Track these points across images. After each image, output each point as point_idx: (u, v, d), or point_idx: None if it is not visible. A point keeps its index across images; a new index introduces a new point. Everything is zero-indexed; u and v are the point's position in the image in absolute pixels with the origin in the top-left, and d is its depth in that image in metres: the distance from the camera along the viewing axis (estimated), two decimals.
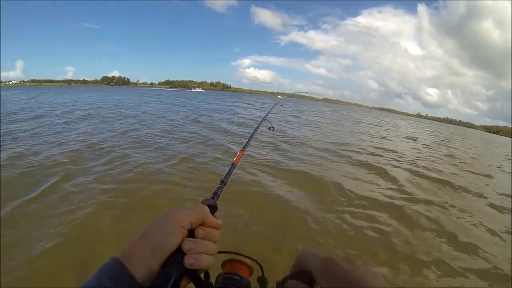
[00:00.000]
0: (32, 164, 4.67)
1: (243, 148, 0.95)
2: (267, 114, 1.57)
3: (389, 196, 4.62)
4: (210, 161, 5.48)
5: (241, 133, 9.33)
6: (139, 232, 0.39)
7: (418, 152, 10.37)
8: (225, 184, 0.67)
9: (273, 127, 1.57)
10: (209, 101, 30.49)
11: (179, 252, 0.39)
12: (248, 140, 1.02)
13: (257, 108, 24.44)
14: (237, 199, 3.61)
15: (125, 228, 2.84)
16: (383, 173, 5.97)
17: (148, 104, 20.06)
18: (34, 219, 2.94)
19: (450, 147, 14.77)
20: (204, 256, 0.40)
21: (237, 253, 0.54)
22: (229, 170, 0.75)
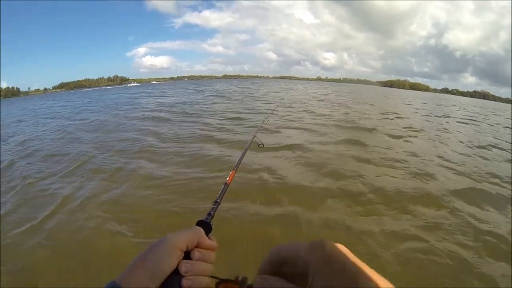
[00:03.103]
0: None
1: (235, 167, 0.94)
2: (256, 132, 1.56)
3: None
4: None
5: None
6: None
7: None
8: (219, 204, 0.68)
9: (262, 144, 1.59)
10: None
11: (176, 274, 0.39)
12: (240, 160, 1.02)
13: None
14: None
15: None
16: None
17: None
18: None
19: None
20: (201, 278, 0.41)
21: (230, 280, 0.50)
22: (222, 190, 0.76)
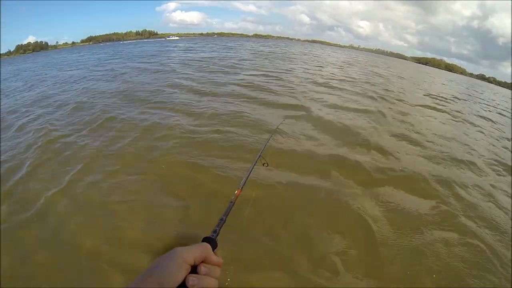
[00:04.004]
0: None
1: (241, 187, 0.96)
2: (261, 151, 1.53)
3: None
4: None
5: None
6: None
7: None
8: (224, 222, 0.69)
9: (267, 163, 1.53)
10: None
11: (183, 287, 0.42)
12: (245, 179, 1.03)
13: None
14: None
15: None
16: None
17: None
18: None
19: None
20: None
21: None
22: (228, 208, 0.76)
